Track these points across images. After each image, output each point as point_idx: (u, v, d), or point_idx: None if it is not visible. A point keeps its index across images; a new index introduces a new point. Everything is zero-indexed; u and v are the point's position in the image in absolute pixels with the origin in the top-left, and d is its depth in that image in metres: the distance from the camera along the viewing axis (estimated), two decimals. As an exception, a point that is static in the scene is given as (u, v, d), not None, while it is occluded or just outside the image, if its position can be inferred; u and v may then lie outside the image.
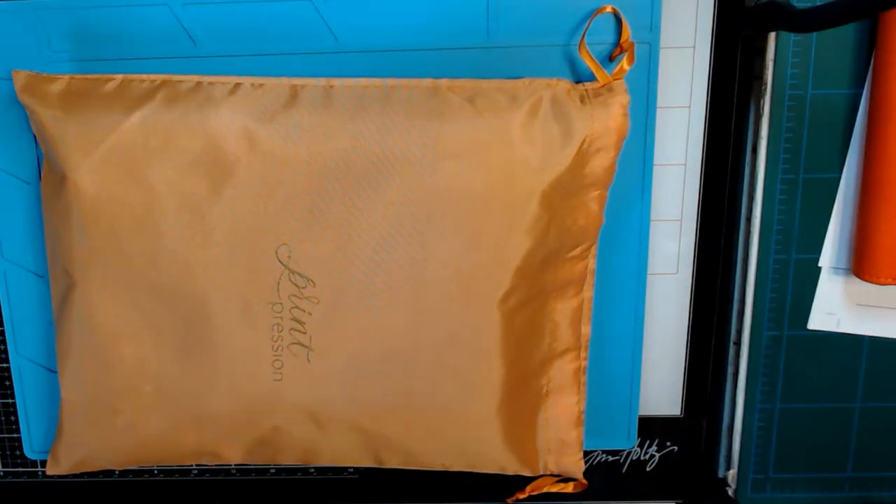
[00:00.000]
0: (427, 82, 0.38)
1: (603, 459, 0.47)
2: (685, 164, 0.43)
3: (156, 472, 0.48)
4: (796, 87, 0.42)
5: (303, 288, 0.40)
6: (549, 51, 0.40)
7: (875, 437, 0.47)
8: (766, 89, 0.41)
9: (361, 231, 0.39)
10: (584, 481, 0.44)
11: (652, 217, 0.43)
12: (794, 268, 0.44)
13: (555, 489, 0.45)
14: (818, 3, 0.39)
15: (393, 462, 0.43)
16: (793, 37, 0.41)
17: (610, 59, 0.40)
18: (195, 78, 0.38)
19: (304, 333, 0.40)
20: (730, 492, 0.48)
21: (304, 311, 0.40)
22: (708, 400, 0.46)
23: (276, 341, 0.40)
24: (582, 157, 0.38)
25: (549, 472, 0.44)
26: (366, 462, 0.43)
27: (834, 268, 0.44)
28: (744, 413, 0.46)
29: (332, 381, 0.41)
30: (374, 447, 0.42)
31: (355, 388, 0.41)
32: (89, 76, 0.38)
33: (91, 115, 0.37)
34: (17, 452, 0.47)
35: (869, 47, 0.41)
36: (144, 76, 0.38)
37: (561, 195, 0.39)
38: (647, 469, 0.48)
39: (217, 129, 0.38)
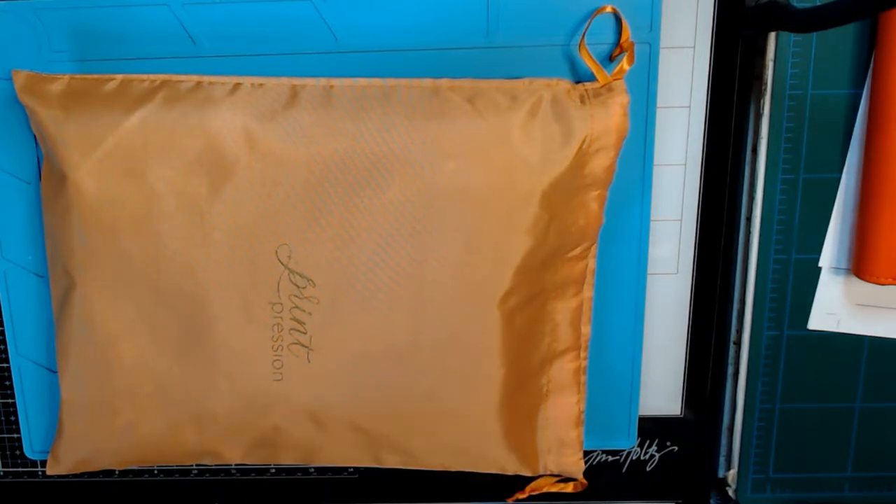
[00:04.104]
0: (427, 82, 0.38)
1: (603, 459, 0.47)
2: (685, 164, 0.43)
3: (156, 472, 0.48)
4: (796, 87, 0.42)
5: (303, 288, 0.40)
6: (549, 51, 0.40)
7: (875, 437, 0.47)
8: (766, 89, 0.41)
9: (361, 231, 0.39)
10: (584, 481, 0.44)
11: (652, 217, 0.43)
12: (794, 268, 0.44)
13: (555, 489, 0.45)
14: (818, 3, 0.39)
15: (393, 462, 0.43)
16: (793, 37, 0.41)
17: (610, 59, 0.40)
18: (195, 78, 0.38)
19: (305, 333, 0.40)
20: (730, 492, 0.48)
21: (305, 311, 0.40)
22: (708, 400, 0.46)
23: (276, 341, 0.40)
24: (582, 157, 0.38)
25: (549, 472, 0.44)
26: (366, 462, 0.43)
27: (834, 268, 0.44)
28: (744, 413, 0.46)
29: (332, 381, 0.41)
30: (373, 447, 0.43)
31: (355, 388, 0.41)
32: (89, 76, 0.38)
33: (91, 115, 0.37)
34: (17, 452, 0.48)
35: (869, 47, 0.41)
36: (144, 76, 0.38)
37: (561, 195, 0.39)
38: (647, 469, 0.48)
39: (217, 129, 0.38)
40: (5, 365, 0.46)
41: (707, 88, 0.42)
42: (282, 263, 0.39)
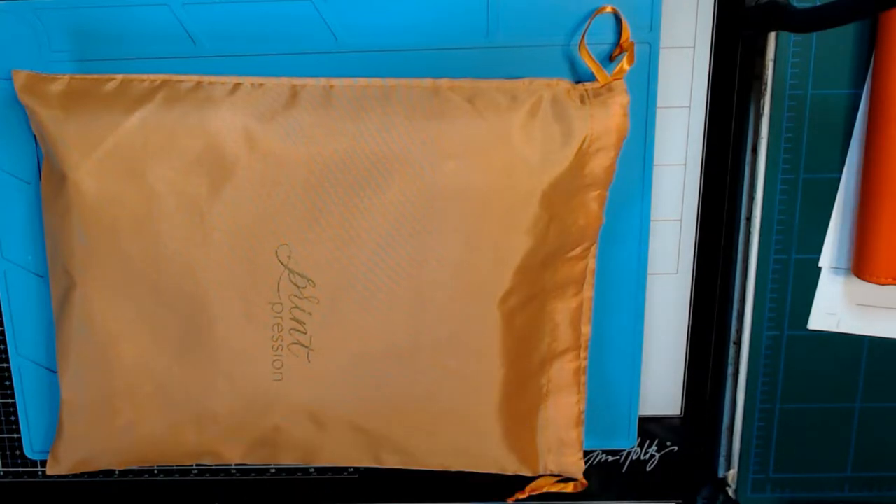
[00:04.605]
0: (427, 82, 0.38)
1: (603, 459, 0.47)
2: (685, 164, 0.43)
3: (156, 472, 0.48)
4: (796, 87, 0.42)
5: (303, 288, 0.40)
6: (549, 51, 0.40)
7: (875, 437, 0.47)
8: (766, 89, 0.41)
9: (361, 231, 0.39)
10: (584, 481, 0.44)
11: (652, 217, 0.43)
12: (794, 268, 0.44)
13: (555, 489, 0.45)
14: (818, 3, 0.39)
15: (392, 462, 0.43)
16: (793, 37, 0.41)
17: (610, 59, 0.40)
18: (195, 78, 0.38)
19: (305, 333, 0.40)
20: (730, 492, 0.48)
21: (305, 311, 0.40)
22: (708, 400, 0.46)
23: (276, 341, 0.40)
24: (582, 157, 0.38)
25: (549, 472, 0.44)
26: (365, 462, 0.43)
27: (834, 268, 0.44)
28: (744, 413, 0.46)
29: (332, 381, 0.41)
30: (373, 447, 0.43)
31: (355, 388, 0.41)
32: (89, 76, 0.38)
33: (91, 115, 0.37)
34: (17, 452, 0.48)
35: (869, 47, 0.41)
36: (144, 76, 0.38)
37: (561, 195, 0.39)
38: (647, 469, 0.48)
39: (217, 129, 0.38)
40: (5, 365, 0.46)
41: (707, 88, 0.42)
42: (282, 263, 0.39)
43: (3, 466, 0.48)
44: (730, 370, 0.46)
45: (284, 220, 0.39)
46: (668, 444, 0.47)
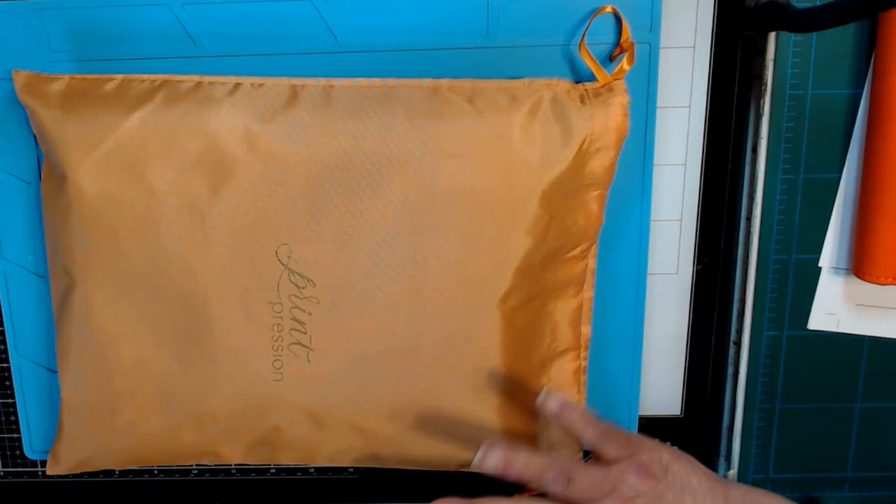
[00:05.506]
0: (427, 82, 0.38)
1: (603, 459, 0.47)
2: (685, 164, 0.43)
3: (156, 472, 0.48)
4: (796, 87, 0.42)
5: (303, 288, 0.40)
6: (549, 51, 0.40)
7: (875, 437, 0.47)
8: (766, 89, 0.41)
9: (361, 231, 0.39)
10: None
11: (652, 217, 0.43)
12: (794, 268, 0.44)
13: None
14: (818, 3, 0.39)
15: (392, 462, 0.43)
16: (793, 37, 0.41)
17: (610, 59, 0.40)
18: (195, 78, 0.38)
19: (304, 333, 0.40)
20: (730, 492, 0.48)
21: (304, 311, 0.40)
22: (708, 400, 0.46)
23: (276, 341, 0.40)
24: (582, 157, 0.38)
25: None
26: (366, 462, 0.43)
27: (834, 268, 0.44)
28: (744, 413, 0.46)
29: (332, 381, 0.41)
30: (374, 447, 0.43)
31: (355, 388, 0.41)
32: (89, 76, 0.38)
33: (91, 115, 0.37)
34: (17, 452, 0.48)
35: (869, 47, 0.41)
36: (144, 76, 0.38)
37: (561, 195, 0.39)
38: (647, 469, 0.48)
39: (217, 129, 0.38)
40: (5, 365, 0.46)
41: (707, 88, 0.42)
42: (282, 263, 0.39)
43: (3, 466, 0.48)
44: (730, 370, 0.46)
45: (284, 220, 0.39)
46: (668, 444, 0.47)
